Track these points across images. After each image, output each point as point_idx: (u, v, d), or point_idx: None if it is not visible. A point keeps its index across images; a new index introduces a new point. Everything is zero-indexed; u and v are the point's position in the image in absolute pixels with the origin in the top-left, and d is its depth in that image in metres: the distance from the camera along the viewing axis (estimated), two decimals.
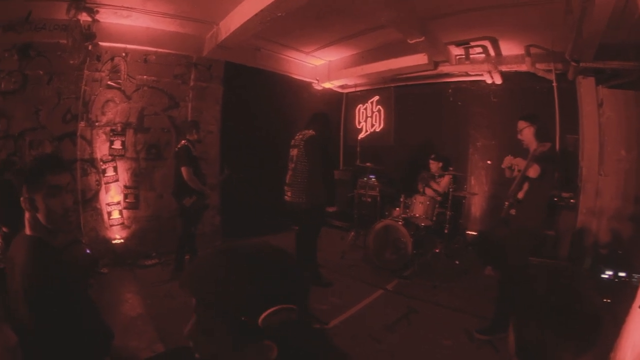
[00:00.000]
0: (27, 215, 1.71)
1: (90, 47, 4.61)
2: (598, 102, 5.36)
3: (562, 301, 0.99)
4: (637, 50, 4.16)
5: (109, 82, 5.70)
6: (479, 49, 6.10)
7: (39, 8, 4.79)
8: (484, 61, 6.33)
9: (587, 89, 5.46)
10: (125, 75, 5.84)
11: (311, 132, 5.01)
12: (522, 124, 3.75)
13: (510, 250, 3.85)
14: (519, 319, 1.05)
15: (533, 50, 5.68)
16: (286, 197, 5.10)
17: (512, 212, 3.77)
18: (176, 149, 5.42)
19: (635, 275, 4.34)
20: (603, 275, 4.41)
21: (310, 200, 4.92)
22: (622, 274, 4.35)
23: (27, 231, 1.71)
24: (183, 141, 5.26)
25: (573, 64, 4.75)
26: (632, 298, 2.15)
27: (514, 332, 1.05)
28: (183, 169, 5.06)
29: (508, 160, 3.91)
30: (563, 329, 0.95)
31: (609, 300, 3.53)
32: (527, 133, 3.71)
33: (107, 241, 5.77)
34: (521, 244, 3.77)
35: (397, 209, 6.36)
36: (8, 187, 2.28)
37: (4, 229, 2.28)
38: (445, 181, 6.28)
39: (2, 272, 1.88)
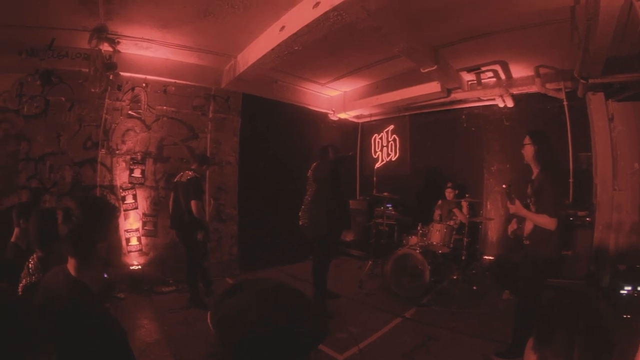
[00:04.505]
0: (76, 260, 1.68)
1: (111, 77, 4.78)
2: (609, 116, 5.35)
3: (580, 321, 1.01)
4: None
5: (129, 112, 5.93)
6: (490, 73, 6.18)
7: (62, 36, 5.03)
8: (495, 85, 6.41)
9: (597, 105, 5.47)
10: (146, 105, 6.07)
11: (316, 163, 5.16)
12: (526, 140, 3.70)
13: (526, 276, 3.77)
14: (540, 341, 1.06)
15: (542, 70, 5.73)
16: (300, 222, 5.12)
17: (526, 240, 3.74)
18: (181, 180, 5.21)
19: None
20: (622, 292, 4.26)
21: (314, 230, 4.93)
22: None
23: (73, 273, 1.67)
24: (189, 172, 5.15)
25: (582, 81, 4.75)
26: None
27: (536, 353, 1.05)
28: (193, 203, 4.94)
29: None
30: (584, 348, 0.96)
31: (628, 316, 3.40)
32: (528, 150, 3.66)
33: (125, 267, 5.81)
34: (535, 270, 3.66)
35: (414, 237, 6.36)
36: (46, 215, 2.35)
37: (39, 253, 2.37)
38: (465, 210, 6.32)
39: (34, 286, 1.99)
